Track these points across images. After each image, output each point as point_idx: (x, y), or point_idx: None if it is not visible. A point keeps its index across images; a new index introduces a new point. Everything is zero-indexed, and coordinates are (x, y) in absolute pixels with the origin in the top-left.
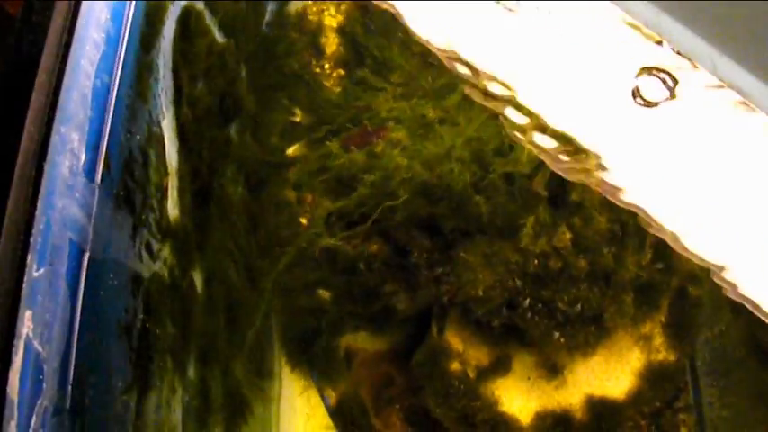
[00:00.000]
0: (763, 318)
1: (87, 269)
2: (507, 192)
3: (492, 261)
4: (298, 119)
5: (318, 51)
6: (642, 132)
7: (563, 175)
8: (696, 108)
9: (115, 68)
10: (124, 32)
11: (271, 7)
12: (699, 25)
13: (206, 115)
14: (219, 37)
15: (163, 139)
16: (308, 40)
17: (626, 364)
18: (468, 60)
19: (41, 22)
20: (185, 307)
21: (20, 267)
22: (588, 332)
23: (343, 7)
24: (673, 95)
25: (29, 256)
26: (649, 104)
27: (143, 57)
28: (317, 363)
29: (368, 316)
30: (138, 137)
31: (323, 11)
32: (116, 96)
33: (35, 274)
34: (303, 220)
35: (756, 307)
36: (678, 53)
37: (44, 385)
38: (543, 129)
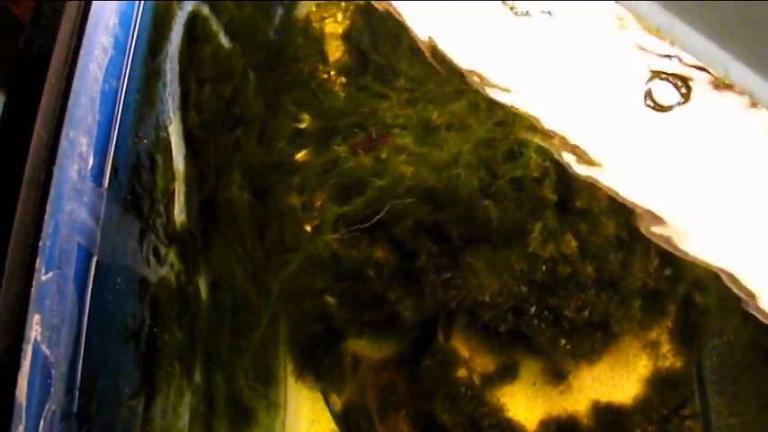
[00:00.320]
0: None
1: (95, 273)
2: (515, 197)
3: (499, 267)
4: (305, 124)
5: (324, 57)
6: (654, 138)
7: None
8: (708, 113)
9: (123, 73)
10: (132, 37)
11: (279, 12)
12: (711, 30)
13: (213, 120)
14: (226, 42)
15: (170, 143)
16: (314, 46)
17: (632, 370)
18: (474, 66)
19: (50, 26)
20: (192, 312)
21: (28, 271)
22: (595, 339)
23: (349, 13)
24: (686, 100)
25: (37, 260)
26: (662, 108)
27: (151, 61)
28: (323, 369)
29: (374, 322)
30: (146, 141)
31: (329, 17)
32: (124, 101)
33: (43, 277)
34: (309, 226)
35: None
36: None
37: (52, 389)
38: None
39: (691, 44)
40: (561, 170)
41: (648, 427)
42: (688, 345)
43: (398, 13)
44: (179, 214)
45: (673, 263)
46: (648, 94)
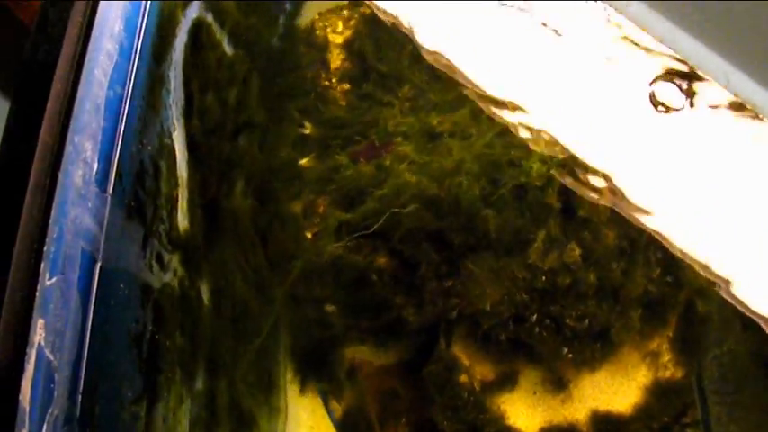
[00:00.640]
0: None
1: (98, 279)
2: (517, 206)
3: (500, 275)
4: (308, 131)
5: (327, 65)
6: (657, 145)
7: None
8: (710, 121)
9: (128, 79)
10: (137, 44)
11: (281, 21)
12: (713, 40)
13: (216, 127)
14: (230, 49)
15: (174, 150)
16: (317, 54)
17: (632, 379)
18: (474, 74)
19: (56, 33)
20: (194, 318)
21: (33, 275)
22: (595, 348)
23: (351, 22)
24: (692, 103)
25: (42, 265)
26: (668, 110)
27: (155, 68)
28: (323, 375)
29: (375, 329)
30: (150, 148)
31: (332, 26)
32: (128, 107)
33: (48, 282)
34: (311, 233)
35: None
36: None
37: (55, 393)
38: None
39: (692, 54)
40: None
41: None
42: (688, 354)
43: (408, 28)
44: (182, 221)
45: (674, 271)
46: (653, 97)
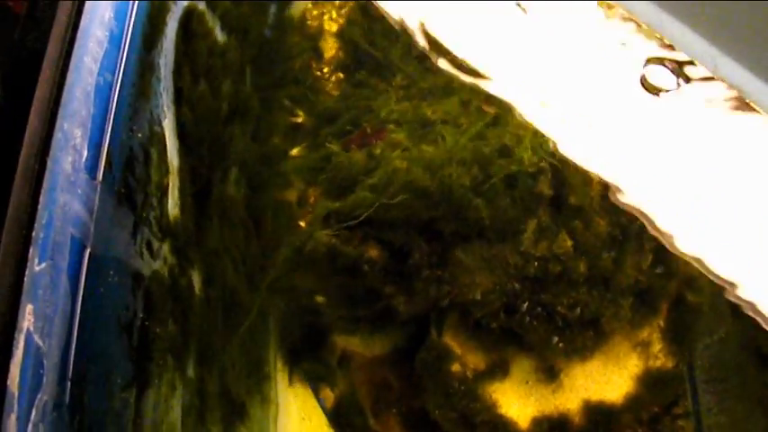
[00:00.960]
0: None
1: (88, 265)
2: (508, 195)
3: (491, 264)
4: (300, 120)
5: (320, 54)
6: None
7: None
8: (699, 107)
9: (118, 66)
10: (127, 31)
11: (272, 9)
12: (700, 25)
13: (207, 115)
14: (221, 38)
15: (164, 138)
16: (309, 43)
17: (624, 369)
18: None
19: (46, 19)
20: (185, 306)
21: (21, 261)
22: (587, 337)
23: (344, 11)
24: (680, 83)
25: (30, 251)
26: (657, 92)
27: (145, 56)
28: (314, 365)
29: (366, 318)
30: (140, 135)
31: (324, 14)
32: (118, 94)
33: (36, 268)
34: (302, 222)
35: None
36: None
37: (44, 379)
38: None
39: (680, 39)
40: (555, 166)
41: (639, 426)
42: (679, 344)
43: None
44: (173, 208)
45: (665, 261)
46: (644, 79)
